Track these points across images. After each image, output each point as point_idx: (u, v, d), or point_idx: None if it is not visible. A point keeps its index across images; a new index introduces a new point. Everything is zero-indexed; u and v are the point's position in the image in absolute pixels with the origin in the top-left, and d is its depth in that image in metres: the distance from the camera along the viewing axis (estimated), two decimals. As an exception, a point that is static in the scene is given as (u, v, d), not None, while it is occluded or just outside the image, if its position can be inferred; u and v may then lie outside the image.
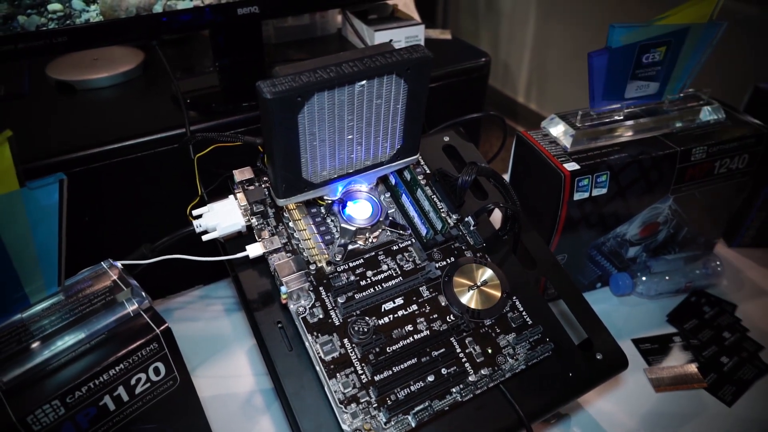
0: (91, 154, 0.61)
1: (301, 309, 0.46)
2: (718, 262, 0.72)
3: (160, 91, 0.74)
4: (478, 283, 0.50)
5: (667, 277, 0.70)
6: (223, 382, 0.61)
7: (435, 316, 0.48)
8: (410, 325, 0.47)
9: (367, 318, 0.46)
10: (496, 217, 0.57)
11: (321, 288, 0.48)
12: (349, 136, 0.46)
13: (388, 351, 0.45)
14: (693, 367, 0.62)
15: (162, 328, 0.42)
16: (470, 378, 0.45)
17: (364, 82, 0.43)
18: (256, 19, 0.67)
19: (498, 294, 0.49)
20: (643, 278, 0.70)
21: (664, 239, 0.71)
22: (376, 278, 0.49)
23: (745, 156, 0.66)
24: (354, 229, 0.50)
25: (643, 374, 0.62)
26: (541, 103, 2.36)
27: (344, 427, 0.42)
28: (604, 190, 0.61)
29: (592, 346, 0.50)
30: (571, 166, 0.59)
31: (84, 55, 0.78)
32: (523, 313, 0.49)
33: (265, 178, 0.53)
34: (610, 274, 0.72)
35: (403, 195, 0.54)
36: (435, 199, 0.55)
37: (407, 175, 0.53)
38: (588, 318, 0.52)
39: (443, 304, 0.49)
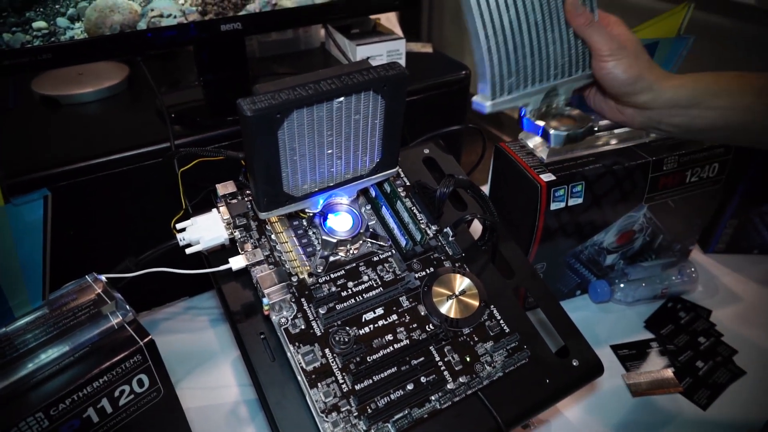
0: (76, 169, 0.61)
1: (283, 320, 0.47)
2: (693, 269, 0.74)
3: (144, 105, 0.74)
4: (457, 293, 0.51)
5: (643, 284, 0.72)
6: (208, 393, 0.62)
7: (414, 325, 0.49)
8: (390, 335, 0.48)
9: (348, 328, 0.47)
10: (477, 227, 0.59)
11: (303, 299, 0.49)
12: (329, 151, 0.47)
13: (369, 360, 0.46)
14: (669, 372, 0.64)
15: (145, 340, 0.43)
16: (449, 386, 0.46)
17: (342, 98, 0.44)
18: (240, 35, 0.69)
19: (476, 303, 0.51)
20: (621, 285, 0.72)
21: (641, 247, 0.73)
22: (357, 289, 0.50)
23: (715, 165, 0.68)
24: (335, 241, 0.51)
25: (621, 380, 0.63)
26: (525, 112, 2.39)
27: (325, 435, 0.43)
28: (579, 200, 0.63)
29: (569, 353, 0.52)
30: (547, 177, 0.61)
31: (69, 69, 0.78)
32: (501, 321, 0.51)
33: (247, 192, 0.54)
34: (589, 281, 0.74)
35: (383, 207, 0.55)
36: (414, 210, 0.56)
37: (387, 188, 0.55)
38: (564, 325, 0.53)
39: (423, 313, 0.50)
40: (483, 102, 0.51)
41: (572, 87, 0.55)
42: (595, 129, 0.66)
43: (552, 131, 0.53)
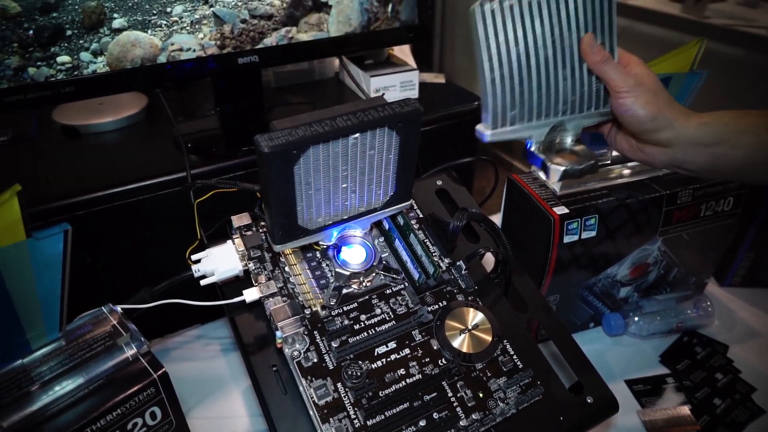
0: (94, 198, 0.62)
1: (296, 353, 0.47)
2: (708, 302, 0.73)
3: (162, 134, 0.76)
4: (470, 327, 0.51)
5: (658, 318, 0.71)
6: (218, 423, 0.61)
7: (427, 359, 0.49)
8: (403, 369, 0.48)
9: (360, 362, 0.47)
10: (489, 258, 0.59)
11: (315, 332, 0.49)
12: (344, 185, 0.48)
13: (381, 395, 0.46)
14: (686, 410, 0.63)
15: (159, 372, 0.43)
16: (461, 422, 0.46)
17: (357, 135, 0.45)
18: (256, 67, 0.70)
19: (489, 338, 0.50)
20: (636, 318, 0.71)
21: (655, 279, 0.72)
22: (370, 322, 0.50)
23: (730, 199, 0.67)
24: (348, 273, 0.51)
25: (636, 416, 0.62)
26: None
27: (337, 472, 0.42)
28: (593, 233, 0.63)
29: (583, 389, 0.51)
30: (561, 209, 0.61)
31: (90, 99, 0.80)
32: (514, 356, 0.50)
33: (262, 224, 0.54)
34: (603, 314, 0.73)
35: (396, 240, 0.55)
36: (427, 243, 0.56)
37: (400, 220, 0.55)
38: (578, 361, 0.53)
39: (435, 347, 0.49)
40: (484, 131, 0.51)
41: (582, 124, 0.55)
42: (607, 162, 0.67)
43: (551, 165, 0.53)
